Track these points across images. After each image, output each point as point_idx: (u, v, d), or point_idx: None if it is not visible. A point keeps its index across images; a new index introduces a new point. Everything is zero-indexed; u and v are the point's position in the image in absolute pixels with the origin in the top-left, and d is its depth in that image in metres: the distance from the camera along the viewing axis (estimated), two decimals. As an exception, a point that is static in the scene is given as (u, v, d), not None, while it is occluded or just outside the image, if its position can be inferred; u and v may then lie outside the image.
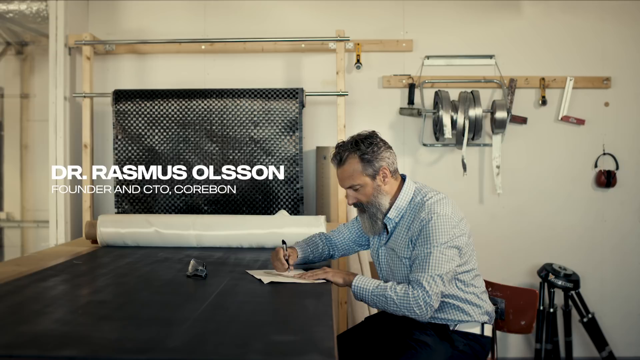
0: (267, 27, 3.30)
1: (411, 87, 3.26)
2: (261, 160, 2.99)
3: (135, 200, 3.01)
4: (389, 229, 1.87)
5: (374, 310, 2.87)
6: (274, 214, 2.92)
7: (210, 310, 1.41)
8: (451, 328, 1.83)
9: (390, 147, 1.86)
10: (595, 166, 3.32)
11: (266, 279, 1.76)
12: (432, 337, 1.79)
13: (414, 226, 1.78)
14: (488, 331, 1.86)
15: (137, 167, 3.01)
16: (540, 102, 3.28)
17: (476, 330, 1.85)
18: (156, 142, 3.01)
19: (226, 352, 1.11)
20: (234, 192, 2.99)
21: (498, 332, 2.23)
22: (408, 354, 1.74)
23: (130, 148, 3.02)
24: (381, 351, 1.87)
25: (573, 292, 3.13)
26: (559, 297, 3.20)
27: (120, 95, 3.04)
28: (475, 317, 1.84)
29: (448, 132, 3.09)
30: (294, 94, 3.00)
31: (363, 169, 1.81)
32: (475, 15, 3.33)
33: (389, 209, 1.85)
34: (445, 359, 1.77)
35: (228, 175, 2.98)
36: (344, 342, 1.95)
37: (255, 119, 2.99)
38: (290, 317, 1.37)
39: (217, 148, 3.00)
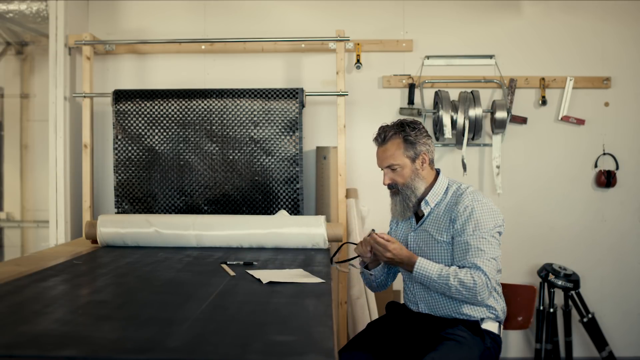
0: (267, 27, 3.30)
1: (411, 87, 3.26)
2: (261, 160, 2.99)
3: (135, 200, 3.01)
4: (425, 213, 1.91)
5: (375, 312, 2.87)
6: (274, 214, 2.92)
7: (210, 310, 1.41)
8: (481, 325, 1.85)
9: (430, 137, 1.93)
10: (595, 166, 3.32)
11: (265, 279, 1.76)
12: (465, 332, 1.79)
13: (458, 210, 1.82)
14: (500, 330, 1.90)
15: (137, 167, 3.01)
16: (540, 102, 3.28)
17: (495, 329, 1.87)
18: (156, 142, 3.01)
19: (226, 352, 1.11)
20: (234, 192, 2.99)
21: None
22: (445, 345, 1.72)
23: (130, 148, 3.02)
24: (412, 347, 1.83)
25: (573, 292, 3.13)
26: (559, 297, 3.20)
27: (120, 95, 3.04)
28: (498, 315, 1.87)
29: (448, 132, 3.09)
30: (294, 94, 3.00)
31: (405, 149, 1.87)
32: (475, 15, 3.33)
33: (422, 196, 1.91)
34: (478, 355, 1.77)
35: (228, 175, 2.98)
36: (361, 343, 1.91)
37: (255, 119, 2.99)
38: (290, 317, 1.37)
39: (217, 148, 3.00)
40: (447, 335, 1.77)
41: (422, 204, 1.90)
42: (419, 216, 1.96)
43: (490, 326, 1.86)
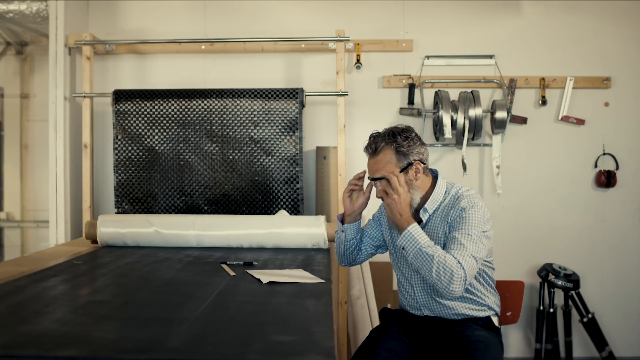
0: (267, 27, 3.30)
1: (411, 87, 3.26)
2: (261, 160, 2.99)
3: (135, 200, 3.01)
4: (424, 220, 1.86)
5: (375, 312, 2.87)
6: (274, 214, 2.92)
7: (210, 310, 1.41)
8: (494, 320, 1.86)
9: (424, 143, 1.86)
10: (595, 166, 3.32)
11: (265, 279, 1.76)
12: (483, 331, 1.78)
13: (453, 213, 1.79)
14: (499, 323, 1.93)
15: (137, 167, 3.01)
16: (540, 102, 3.28)
17: (496, 322, 1.89)
18: (156, 142, 3.01)
19: (226, 352, 1.11)
20: (234, 192, 2.99)
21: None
22: (476, 349, 1.68)
23: (130, 148, 3.02)
24: (432, 352, 1.79)
25: (573, 292, 3.13)
26: (559, 297, 3.20)
27: (120, 95, 3.04)
28: (497, 311, 1.89)
29: (448, 132, 3.09)
30: (294, 94, 3.00)
31: (397, 160, 1.80)
32: (475, 15, 3.33)
33: (420, 204, 1.85)
34: (502, 351, 1.79)
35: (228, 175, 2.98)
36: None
37: (255, 119, 2.99)
38: (290, 317, 1.37)
39: (217, 148, 3.00)
40: (467, 338, 1.73)
41: (421, 211, 1.86)
42: (417, 221, 1.92)
43: (495, 321, 1.89)
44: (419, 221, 1.88)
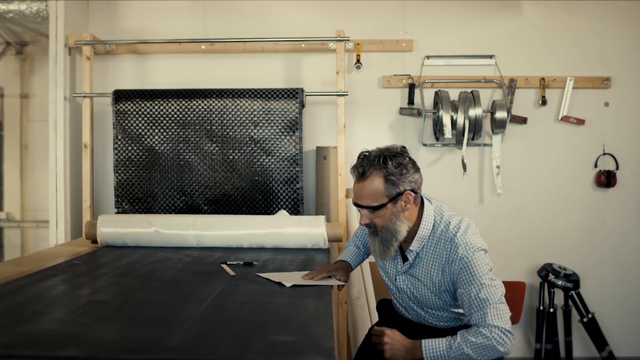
0: (267, 27, 3.30)
1: (411, 87, 3.26)
2: (261, 160, 2.99)
3: (135, 200, 3.01)
4: (410, 260, 1.75)
5: (375, 312, 2.87)
6: (274, 214, 2.92)
7: (210, 310, 1.41)
8: None
9: (418, 169, 1.70)
10: (595, 166, 3.32)
11: (288, 282, 1.72)
12: None
13: (453, 265, 1.65)
14: None
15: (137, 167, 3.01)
16: (540, 102, 3.28)
17: None
18: (156, 142, 3.01)
19: (226, 352, 1.11)
20: (234, 192, 2.99)
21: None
22: None
23: (130, 148, 3.02)
24: None
25: (573, 292, 3.13)
26: (559, 297, 3.20)
27: (120, 95, 3.04)
28: None
29: (448, 132, 3.09)
30: (294, 94, 3.00)
31: (386, 190, 1.63)
32: (475, 15, 3.33)
33: (408, 238, 1.71)
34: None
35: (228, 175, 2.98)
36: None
37: (255, 119, 2.99)
38: (290, 317, 1.37)
39: (217, 148, 3.00)
40: None
41: (407, 253, 1.74)
42: (404, 254, 1.79)
43: None
44: (405, 259, 1.78)
